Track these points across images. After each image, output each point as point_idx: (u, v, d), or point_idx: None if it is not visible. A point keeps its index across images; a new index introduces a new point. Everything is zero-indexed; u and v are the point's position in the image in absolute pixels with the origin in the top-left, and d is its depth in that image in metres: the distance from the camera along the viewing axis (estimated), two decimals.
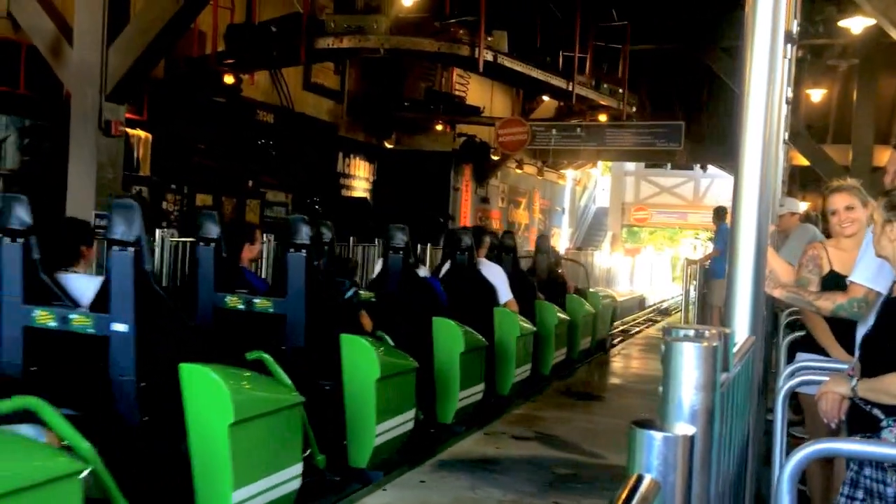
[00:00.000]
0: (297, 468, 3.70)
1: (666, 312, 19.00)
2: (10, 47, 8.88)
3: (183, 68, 11.14)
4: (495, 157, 17.56)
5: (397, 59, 13.38)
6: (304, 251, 4.43)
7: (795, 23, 4.63)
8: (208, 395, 3.28)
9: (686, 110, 17.84)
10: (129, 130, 9.45)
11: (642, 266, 26.47)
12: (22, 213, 3.49)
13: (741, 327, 2.14)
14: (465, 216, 17.79)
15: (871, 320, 2.71)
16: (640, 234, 32.97)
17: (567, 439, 5.69)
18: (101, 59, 7.68)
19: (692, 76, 17.59)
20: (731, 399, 1.41)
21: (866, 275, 2.88)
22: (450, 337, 5.56)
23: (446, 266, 6.66)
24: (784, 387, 3.02)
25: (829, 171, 15.65)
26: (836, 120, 18.72)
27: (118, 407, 3.30)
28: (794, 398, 3.89)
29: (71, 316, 3.41)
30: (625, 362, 10.55)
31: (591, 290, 10.78)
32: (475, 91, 17.80)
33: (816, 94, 17.48)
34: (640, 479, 0.73)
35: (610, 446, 5.41)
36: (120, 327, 3.28)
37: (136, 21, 8.11)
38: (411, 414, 4.83)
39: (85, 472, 2.55)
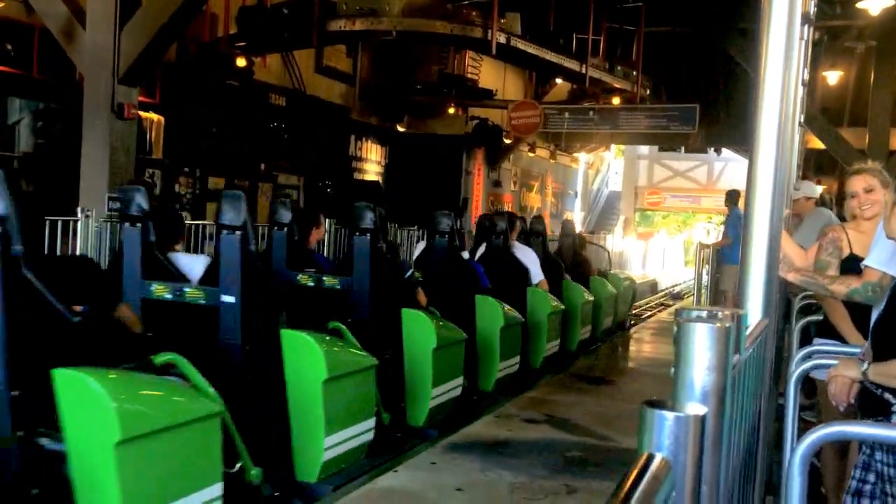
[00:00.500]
0: (372, 422, 4.37)
1: (678, 296, 18.94)
2: (24, 31, 8.91)
3: (195, 51, 11.14)
4: (508, 141, 17.50)
5: (410, 41, 13.33)
6: (368, 235, 4.95)
7: (813, 4, 4.58)
8: (306, 356, 3.87)
9: (701, 93, 17.68)
10: (142, 114, 9.48)
11: (655, 250, 26.38)
12: (140, 201, 3.99)
13: (754, 310, 2.13)
14: (478, 200, 17.76)
15: (882, 304, 2.70)
16: (652, 217, 32.82)
17: (578, 423, 5.71)
18: (114, 42, 7.69)
19: (707, 58, 17.42)
20: (743, 381, 1.41)
21: (881, 258, 2.86)
22: (491, 313, 5.96)
23: (481, 249, 7.09)
24: (796, 371, 3.01)
25: (845, 155, 15.51)
26: (853, 103, 18.50)
27: (225, 367, 3.65)
28: (807, 383, 3.88)
29: (185, 289, 3.99)
30: (637, 346, 10.57)
31: (612, 272, 11.20)
32: (488, 74, 17.71)
33: (833, 77, 17.28)
34: (650, 458, 0.73)
35: (621, 430, 5.42)
36: (228, 299, 3.77)
37: (148, 4, 8.11)
38: (460, 380, 5.33)
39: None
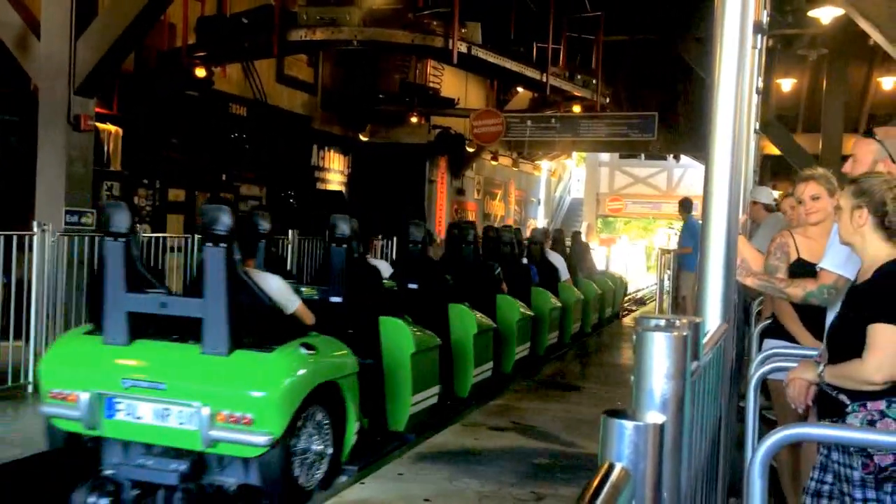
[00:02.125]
0: (436, 389, 5.76)
1: (642, 302, 19.14)
2: None
3: (153, 61, 11.00)
4: (470, 149, 17.56)
5: (371, 51, 13.32)
6: (344, 245, 5.34)
7: (765, 13, 4.68)
8: (398, 335, 5.35)
9: (660, 100, 17.95)
10: (100, 125, 9.33)
11: (617, 256, 26.64)
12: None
13: (713, 315, 2.17)
14: (441, 208, 17.78)
15: (837, 307, 2.77)
16: (615, 224, 33.16)
17: (545, 429, 5.74)
18: (70, 52, 7.57)
19: (666, 66, 17.70)
20: (703, 386, 1.43)
21: (836, 261, 2.93)
22: (464, 321, 6.60)
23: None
24: (756, 374, 3.06)
25: (799, 160, 15.85)
26: (807, 109, 18.95)
27: None
28: (765, 384, 3.95)
29: (302, 289, 5.29)
30: (602, 352, 10.65)
31: (605, 272, 14.07)
32: (450, 83, 17.78)
33: (787, 84, 17.68)
34: (611, 468, 0.74)
35: (587, 435, 5.47)
36: (336, 299, 5.22)
37: (104, 14, 8.00)
38: (437, 388, 5.88)
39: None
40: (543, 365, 8.50)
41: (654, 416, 0.82)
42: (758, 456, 1.93)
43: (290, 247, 9.82)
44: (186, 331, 4.34)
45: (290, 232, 9.89)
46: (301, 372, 4.32)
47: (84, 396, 4.23)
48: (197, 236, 8.65)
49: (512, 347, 7.34)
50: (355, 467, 4.83)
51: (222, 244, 4.13)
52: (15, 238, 6.30)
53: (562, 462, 4.95)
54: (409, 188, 16.53)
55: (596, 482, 0.69)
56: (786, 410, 3.27)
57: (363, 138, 16.20)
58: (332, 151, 15.66)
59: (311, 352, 4.40)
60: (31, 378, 6.40)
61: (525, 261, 9.37)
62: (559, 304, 9.19)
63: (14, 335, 6.35)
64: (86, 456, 4.46)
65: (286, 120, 13.82)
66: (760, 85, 5.70)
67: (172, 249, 8.55)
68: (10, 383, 6.24)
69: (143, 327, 4.40)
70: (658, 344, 0.94)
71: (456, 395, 6.41)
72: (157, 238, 7.97)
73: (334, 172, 15.83)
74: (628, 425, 0.77)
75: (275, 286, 4.65)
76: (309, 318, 4.88)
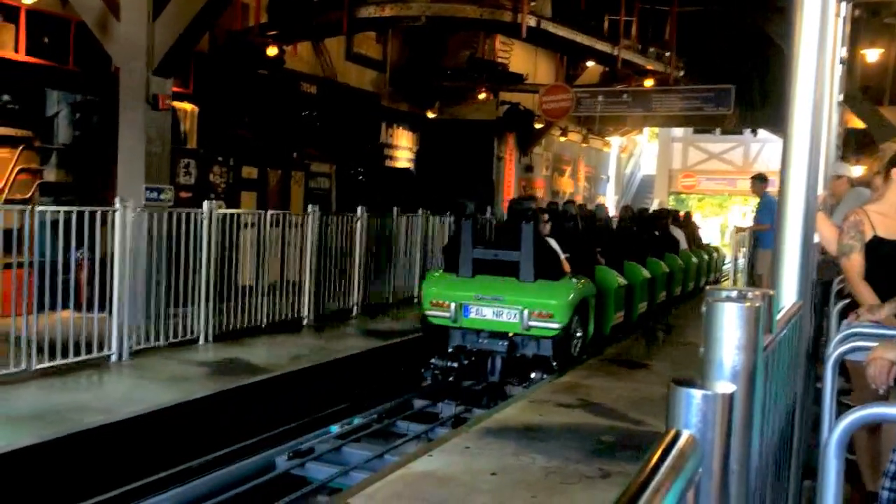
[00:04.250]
0: (622, 313, 8.89)
1: (716, 281, 18.71)
2: (60, 23, 9.06)
3: (226, 41, 11.23)
4: (539, 125, 17.38)
5: (439, 27, 13.29)
6: (532, 223, 7.44)
7: None
8: (608, 276, 8.50)
9: (736, 74, 17.37)
10: (176, 104, 9.60)
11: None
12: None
13: (789, 292, 2.11)
14: (509, 185, 17.69)
15: None
16: (687, 201, 32.40)
17: (612, 407, 5.69)
18: (147, 33, 7.79)
19: (742, 38, 17.09)
20: (776, 361, 1.40)
21: None
22: (608, 278, 8.70)
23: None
24: (834, 353, 2.96)
25: (885, 134, 15.13)
26: (894, 81, 18.04)
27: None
28: (843, 367, 3.82)
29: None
30: (673, 330, 10.48)
31: (709, 244, 16.02)
32: (518, 58, 17.59)
33: (873, 54, 16.84)
34: (678, 435, 0.73)
35: (655, 413, 5.40)
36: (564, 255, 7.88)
37: None
38: (622, 312, 9.00)
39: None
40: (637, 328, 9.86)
41: (723, 386, 0.80)
42: (834, 435, 1.87)
43: (359, 223, 9.94)
44: (505, 270, 7.44)
45: (358, 209, 10.02)
46: (574, 291, 7.52)
47: (452, 305, 7.45)
48: (269, 212, 8.85)
49: (610, 312, 8.63)
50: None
51: (531, 221, 7.40)
52: (99, 214, 6.56)
53: (628, 440, 4.91)
54: (477, 165, 16.49)
55: (661, 448, 0.69)
56: (865, 392, 3.16)
57: (431, 115, 16.21)
58: (400, 129, 15.74)
59: (578, 280, 7.71)
60: (114, 348, 6.69)
61: (657, 233, 11.88)
62: (648, 275, 10.19)
63: (98, 307, 6.63)
64: (439, 339, 7.68)
65: (355, 97, 13.94)
66: (844, 55, 5.47)
67: (246, 225, 8.76)
68: (95, 353, 6.53)
69: (481, 267, 7.55)
70: (729, 314, 0.92)
71: (602, 333, 8.52)
72: (231, 214, 8.17)
73: (402, 150, 15.92)
74: (696, 394, 0.76)
75: (555, 245, 7.65)
76: (567, 266, 7.64)
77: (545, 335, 7.25)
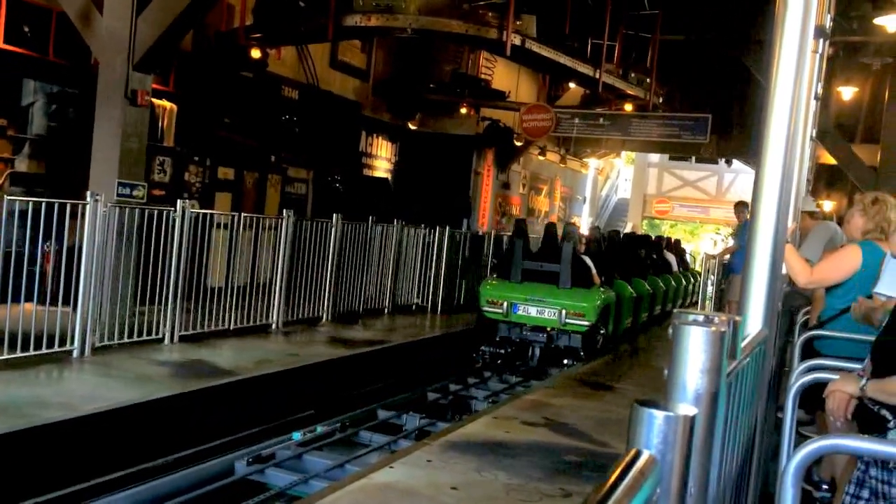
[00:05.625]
0: (630, 318, 10.79)
1: (683, 306, 18.91)
2: (41, 13, 8.95)
3: (210, 41, 11.17)
4: (518, 143, 17.48)
5: (425, 39, 13.34)
6: (571, 242, 9.62)
7: (829, 18, 4.56)
8: (623, 287, 10.57)
9: (715, 103, 17.63)
10: (155, 101, 9.52)
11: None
12: (572, 231, 10.57)
13: (755, 320, 2.14)
14: (486, 201, 17.76)
15: (884, 322, 2.70)
16: (660, 226, 32.72)
17: (577, 427, 5.71)
18: (130, 28, 7.72)
19: (723, 69, 17.37)
20: (739, 387, 1.41)
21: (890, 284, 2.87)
22: (623, 288, 10.66)
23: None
24: (796, 383, 3.01)
25: (856, 171, 15.44)
26: (867, 119, 18.42)
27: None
28: (807, 398, 3.87)
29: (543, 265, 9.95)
30: (640, 354, 10.58)
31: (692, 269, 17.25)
32: (501, 75, 17.71)
33: (847, 92, 17.19)
34: (637, 455, 0.74)
35: (619, 435, 5.42)
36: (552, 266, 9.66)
37: None
38: (631, 318, 10.98)
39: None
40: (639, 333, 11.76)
41: (685, 409, 0.81)
42: (792, 464, 1.90)
43: (333, 230, 9.91)
44: (547, 278, 9.39)
45: (334, 216, 9.99)
46: (601, 297, 9.45)
47: (504, 303, 9.40)
48: (243, 214, 8.79)
49: (624, 316, 10.49)
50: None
51: (570, 242, 9.53)
52: (69, 206, 6.47)
53: (592, 461, 4.93)
54: (455, 179, 16.54)
55: (621, 466, 0.69)
56: (829, 424, 3.20)
57: (412, 127, 16.24)
58: (380, 138, 15.74)
59: (603, 289, 9.66)
60: (76, 343, 6.58)
61: (654, 256, 13.71)
62: (650, 290, 12.05)
63: (62, 301, 6.53)
64: (488, 330, 9.60)
65: (337, 105, 13.93)
66: (820, 91, 5.57)
67: (219, 226, 8.69)
68: (56, 347, 6.42)
69: (528, 276, 9.51)
70: (695, 338, 0.93)
71: (616, 333, 10.20)
72: (205, 214, 8.10)
73: (381, 159, 15.91)
74: (658, 415, 0.76)
75: (588, 261, 9.67)
76: (596, 278, 9.62)
77: (577, 330, 9.19)
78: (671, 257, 14.88)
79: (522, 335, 9.36)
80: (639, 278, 11.49)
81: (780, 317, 4.07)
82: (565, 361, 9.21)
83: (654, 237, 16.00)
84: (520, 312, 9.28)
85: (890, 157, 14.99)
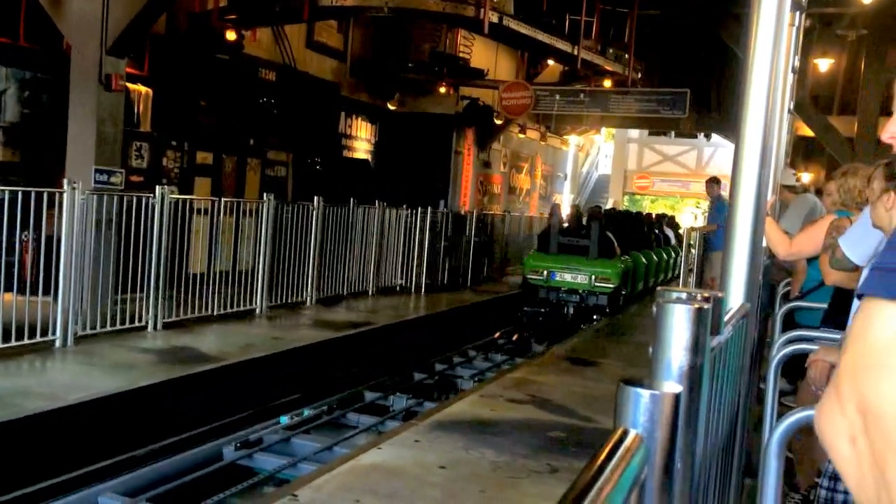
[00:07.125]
0: (642, 282, 13.27)
1: (667, 282, 19.09)
2: None
3: (184, 23, 11.02)
4: (498, 122, 17.44)
5: (402, 19, 13.22)
6: (598, 221, 11.85)
7: None
8: (638, 257, 13.11)
9: (693, 78, 17.66)
10: (130, 85, 9.39)
11: None
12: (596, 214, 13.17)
13: (736, 294, 2.15)
14: (467, 180, 17.73)
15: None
16: (641, 201, 32.89)
17: (561, 403, 5.76)
18: (102, 11, 7.60)
19: (701, 43, 17.39)
20: (722, 362, 1.43)
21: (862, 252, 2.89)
22: (637, 257, 13.09)
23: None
24: (777, 354, 3.04)
25: (833, 143, 15.56)
26: (843, 91, 18.55)
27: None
28: (789, 369, 3.92)
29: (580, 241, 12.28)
30: (623, 331, 10.66)
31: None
32: (480, 53, 17.62)
33: (824, 65, 17.29)
34: (625, 434, 0.74)
35: (603, 411, 5.48)
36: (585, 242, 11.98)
37: None
38: (643, 282, 13.43)
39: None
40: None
41: (670, 386, 0.82)
42: (775, 436, 1.93)
43: (315, 212, 9.87)
44: (578, 251, 11.48)
45: (315, 199, 9.94)
46: (622, 265, 11.59)
47: (545, 271, 11.53)
48: (223, 199, 8.72)
49: (639, 280, 12.80)
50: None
51: (598, 220, 11.91)
52: (45, 195, 6.39)
53: (577, 436, 4.98)
54: (436, 159, 16.49)
55: (609, 446, 0.70)
56: (808, 393, 3.25)
57: (391, 107, 16.14)
58: (359, 119, 15.64)
59: (623, 259, 11.73)
60: (58, 333, 6.53)
61: (656, 231, 16.00)
62: (656, 260, 14.41)
63: (43, 291, 6.46)
64: (531, 293, 11.72)
65: (314, 86, 13.81)
66: (797, 64, 5.59)
67: (199, 211, 8.62)
68: (38, 337, 6.37)
69: (562, 248, 11.64)
70: (678, 315, 0.94)
71: (633, 294, 12.46)
72: (184, 200, 8.03)
73: (361, 140, 15.83)
74: (644, 393, 0.77)
75: (611, 236, 11.55)
76: (618, 249, 11.67)
77: (604, 292, 11.31)
78: (670, 232, 17.27)
79: (559, 297, 11.44)
80: (647, 250, 13.84)
81: (762, 289, 4.11)
82: (595, 317, 11.25)
83: (654, 216, 17.99)
84: (557, 278, 11.40)
85: (866, 128, 15.12)
